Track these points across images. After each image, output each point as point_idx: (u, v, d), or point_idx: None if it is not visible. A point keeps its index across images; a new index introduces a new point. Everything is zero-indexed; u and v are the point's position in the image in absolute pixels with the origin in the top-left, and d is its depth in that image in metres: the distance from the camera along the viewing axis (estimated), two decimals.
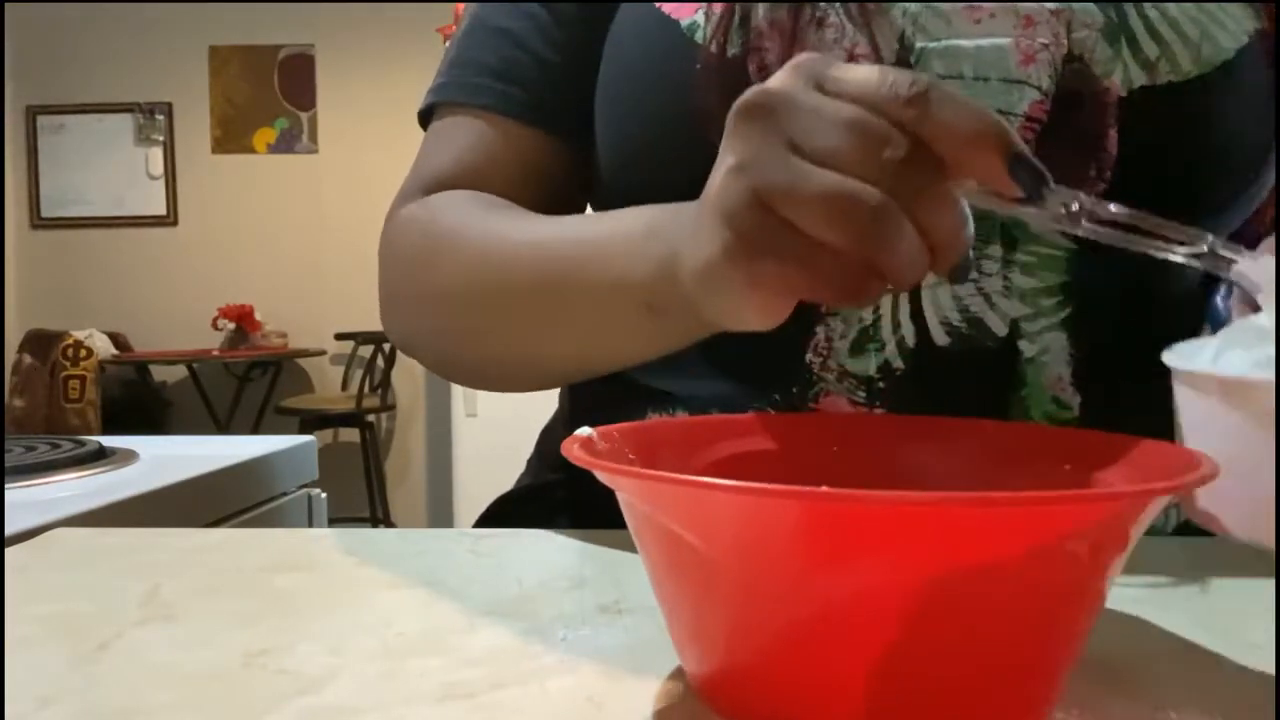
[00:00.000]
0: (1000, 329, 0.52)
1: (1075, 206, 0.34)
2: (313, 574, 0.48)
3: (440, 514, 3.18)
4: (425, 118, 0.65)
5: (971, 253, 0.34)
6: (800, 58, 0.35)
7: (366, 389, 3.87)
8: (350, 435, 4.06)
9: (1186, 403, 0.35)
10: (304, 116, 4.27)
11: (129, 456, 0.95)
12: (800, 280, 0.34)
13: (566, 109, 0.60)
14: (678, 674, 0.34)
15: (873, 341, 0.53)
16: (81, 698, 0.33)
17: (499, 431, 2.83)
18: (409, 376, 4.13)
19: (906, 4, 0.52)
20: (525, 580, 0.46)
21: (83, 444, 0.96)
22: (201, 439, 1.13)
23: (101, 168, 4.27)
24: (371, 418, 3.93)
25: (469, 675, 0.34)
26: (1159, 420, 0.54)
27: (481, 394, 3.00)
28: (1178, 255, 0.34)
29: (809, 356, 0.53)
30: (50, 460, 0.87)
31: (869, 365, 0.53)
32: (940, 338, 0.52)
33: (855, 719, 0.28)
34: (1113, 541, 0.28)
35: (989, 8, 0.51)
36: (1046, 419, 0.52)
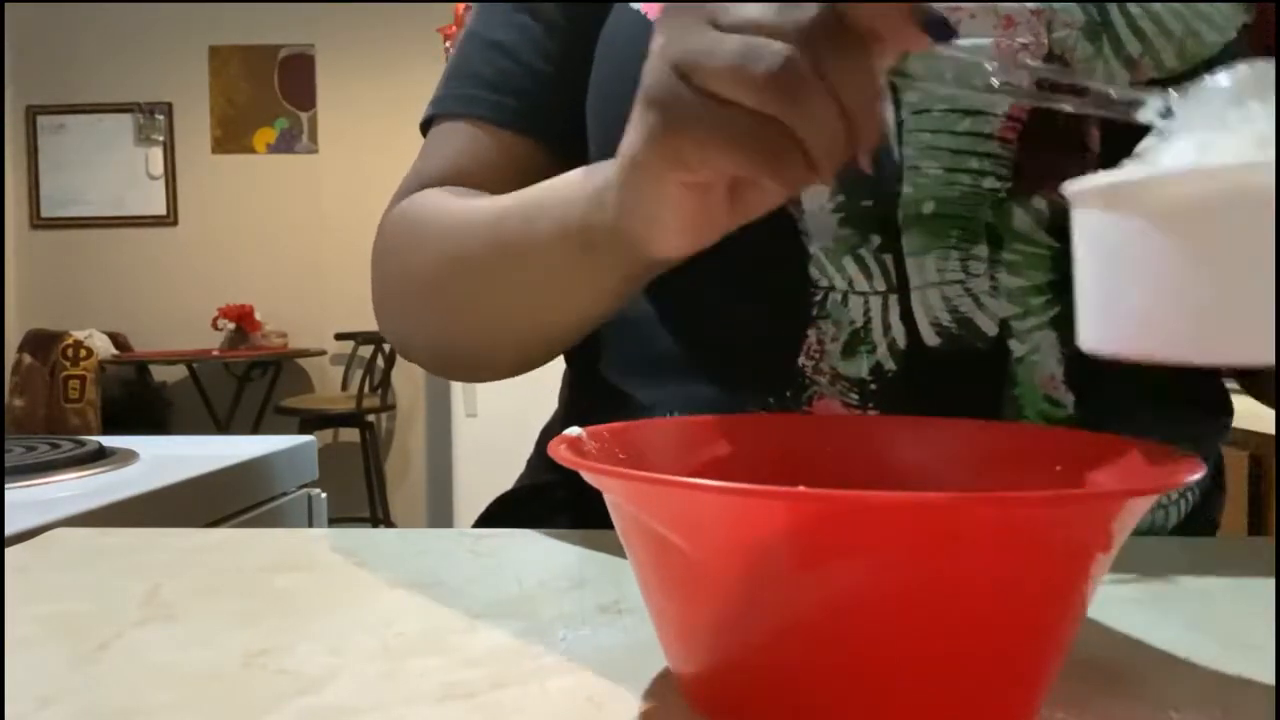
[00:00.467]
0: (990, 329, 0.52)
1: (993, 66, 0.35)
2: (313, 574, 0.48)
3: (440, 514, 3.18)
4: (425, 131, 0.66)
5: (897, 148, 0.35)
6: None
7: (366, 389, 3.87)
8: (350, 435, 4.06)
9: (1084, 234, 0.32)
10: (304, 116, 4.27)
11: (129, 456, 0.95)
12: (717, 150, 0.35)
13: (559, 116, 0.61)
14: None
15: (864, 344, 0.53)
16: (81, 698, 0.33)
17: (499, 431, 2.83)
18: (409, 376, 4.13)
19: None
20: (525, 580, 0.46)
21: (83, 444, 0.96)
22: (201, 439, 1.13)
23: (101, 168, 4.27)
24: (371, 418, 3.93)
25: (469, 675, 0.34)
26: (1156, 414, 0.54)
27: (481, 394, 2.99)
28: (1112, 111, 0.34)
29: (802, 360, 0.54)
30: (50, 460, 0.87)
31: (861, 367, 0.53)
32: (931, 339, 0.52)
33: (841, 719, 0.28)
34: (1096, 541, 0.28)
35: (969, 8, 0.51)
36: (1041, 418, 0.52)
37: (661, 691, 0.33)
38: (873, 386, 0.53)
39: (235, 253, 4.28)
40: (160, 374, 4.23)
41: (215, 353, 3.97)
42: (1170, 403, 0.55)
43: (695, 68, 0.34)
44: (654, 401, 0.57)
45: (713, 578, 0.28)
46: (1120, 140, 0.51)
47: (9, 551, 0.52)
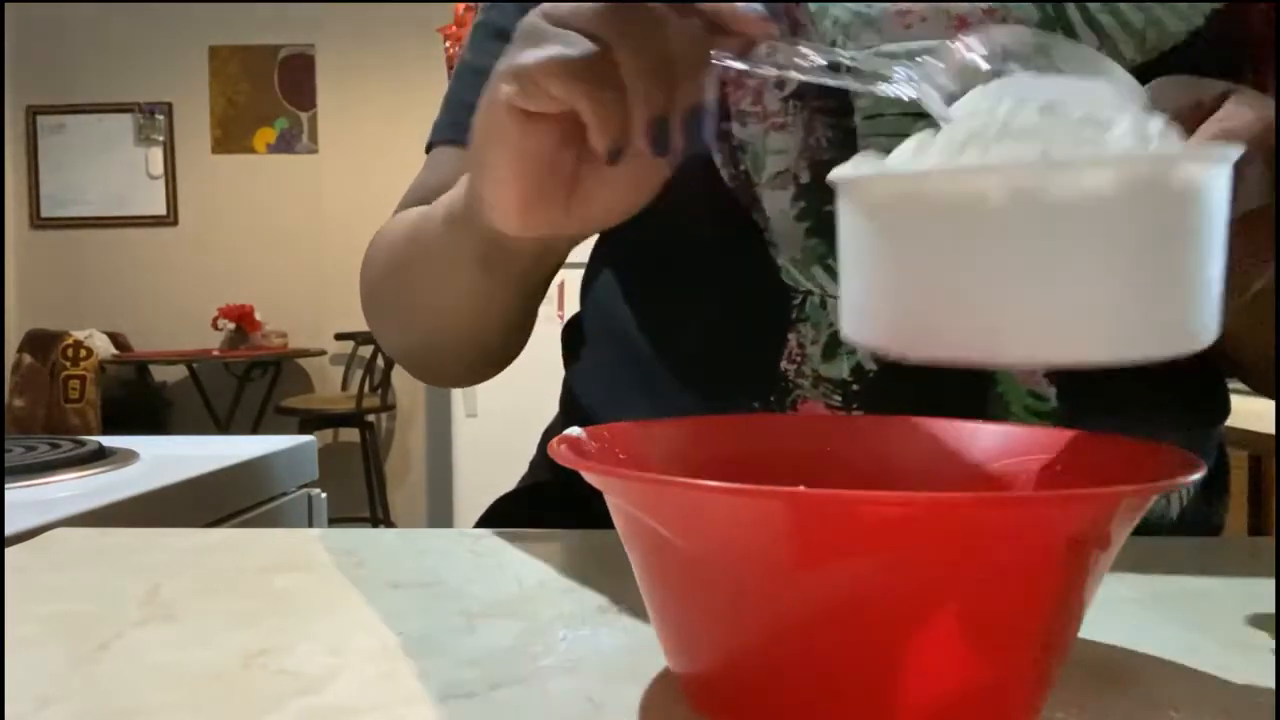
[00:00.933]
0: None
1: (768, 50, 0.38)
2: (313, 574, 0.48)
3: (440, 514, 3.18)
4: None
5: (708, 121, 0.39)
6: None
7: (366, 389, 3.87)
8: (350, 435, 4.06)
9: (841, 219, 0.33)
10: (304, 116, 4.27)
11: (129, 456, 0.95)
12: (552, 73, 0.37)
13: None
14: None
15: (844, 345, 0.53)
16: (81, 698, 0.33)
17: (499, 431, 2.83)
18: (409, 377, 4.09)
19: (835, 12, 0.52)
20: (525, 580, 0.46)
21: (83, 444, 0.95)
22: (201, 439, 1.13)
23: (101, 168, 4.27)
24: (371, 418, 3.92)
25: (469, 675, 0.34)
26: (1138, 410, 0.54)
27: (482, 394, 2.99)
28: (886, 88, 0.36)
29: (784, 364, 0.54)
30: (50, 460, 0.87)
31: (842, 369, 0.53)
32: None
33: (840, 719, 0.28)
34: (1096, 540, 0.28)
35: (919, 10, 0.51)
36: (1027, 413, 0.52)
37: (661, 691, 0.33)
38: (855, 388, 0.53)
39: (235, 253, 4.28)
40: (160, 374, 4.23)
41: (215, 353, 3.97)
42: (1156, 398, 0.55)
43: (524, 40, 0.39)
44: (641, 413, 0.58)
45: (713, 578, 0.28)
46: None
47: (9, 551, 0.52)
